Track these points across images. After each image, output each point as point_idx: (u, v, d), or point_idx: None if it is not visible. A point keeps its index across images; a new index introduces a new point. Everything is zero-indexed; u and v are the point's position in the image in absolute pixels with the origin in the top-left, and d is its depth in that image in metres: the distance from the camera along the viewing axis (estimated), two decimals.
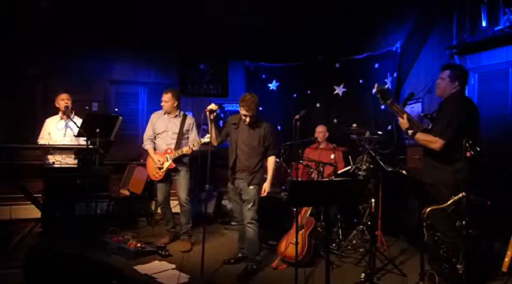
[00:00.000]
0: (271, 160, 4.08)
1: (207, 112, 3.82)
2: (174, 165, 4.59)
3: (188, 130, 4.74)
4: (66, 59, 6.03)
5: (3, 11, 5.25)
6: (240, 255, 4.21)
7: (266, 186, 4.02)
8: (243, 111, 3.88)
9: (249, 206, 3.93)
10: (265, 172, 4.13)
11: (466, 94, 4.51)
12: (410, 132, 3.40)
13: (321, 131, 5.52)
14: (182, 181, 4.66)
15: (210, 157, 3.69)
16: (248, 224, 3.95)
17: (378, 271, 3.93)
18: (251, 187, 3.95)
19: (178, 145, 4.63)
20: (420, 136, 3.36)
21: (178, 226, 4.83)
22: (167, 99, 4.65)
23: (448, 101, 3.46)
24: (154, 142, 4.74)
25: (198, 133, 4.77)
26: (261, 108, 6.76)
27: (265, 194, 4.03)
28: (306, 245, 4.09)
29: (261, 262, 4.09)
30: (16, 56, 5.71)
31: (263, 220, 4.74)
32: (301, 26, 6.07)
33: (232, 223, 5.36)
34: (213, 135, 4.03)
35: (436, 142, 3.28)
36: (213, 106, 3.81)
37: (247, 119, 3.91)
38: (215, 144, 4.08)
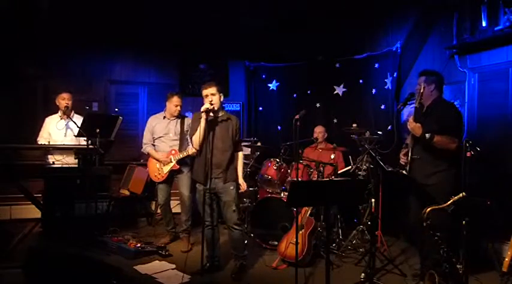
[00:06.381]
0: (240, 156, 3.96)
1: (203, 114, 3.63)
2: (178, 167, 4.59)
3: (188, 131, 4.74)
4: (66, 59, 6.03)
5: (3, 11, 5.25)
6: (208, 264, 3.88)
7: (242, 182, 3.91)
8: (209, 91, 3.68)
9: (233, 208, 3.77)
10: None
11: (466, 94, 4.58)
12: (428, 135, 3.49)
13: (320, 131, 5.52)
14: (184, 178, 4.66)
15: (198, 159, 3.68)
16: (235, 226, 3.81)
17: (378, 271, 3.93)
18: (231, 187, 3.77)
19: (181, 146, 4.64)
20: (439, 138, 3.48)
21: (179, 226, 4.83)
22: (180, 103, 4.68)
23: (441, 105, 3.67)
24: (154, 145, 4.74)
25: None
26: (260, 108, 6.87)
27: (244, 188, 3.92)
28: (306, 245, 4.09)
29: (248, 255, 4.05)
30: (16, 56, 5.71)
31: (263, 220, 4.78)
32: (301, 26, 6.07)
33: None
34: (201, 137, 3.66)
35: (454, 143, 3.48)
36: (208, 105, 3.64)
37: (213, 103, 3.65)
38: (197, 147, 3.76)
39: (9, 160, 4.33)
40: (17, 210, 5.54)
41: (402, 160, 3.87)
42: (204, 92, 3.74)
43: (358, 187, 3.13)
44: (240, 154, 3.98)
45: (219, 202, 3.86)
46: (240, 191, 3.88)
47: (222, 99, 3.82)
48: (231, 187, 3.79)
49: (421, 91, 3.62)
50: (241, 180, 3.93)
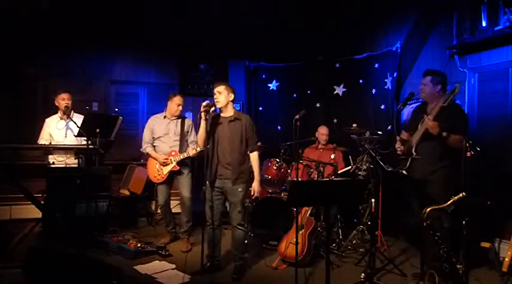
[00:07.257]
0: (254, 157, 3.81)
1: (203, 113, 3.60)
2: (178, 168, 4.59)
3: (188, 132, 4.75)
4: (66, 59, 6.02)
5: (3, 11, 5.25)
6: (208, 264, 3.84)
7: (255, 186, 3.80)
8: (216, 89, 3.72)
9: (238, 209, 3.77)
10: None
11: (466, 94, 4.59)
12: (445, 134, 3.52)
13: (324, 133, 5.48)
14: (185, 180, 4.65)
15: (206, 158, 3.67)
16: (238, 227, 3.83)
17: (378, 271, 3.93)
18: (239, 189, 3.73)
19: (181, 147, 4.64)
20: (454, 137, 3.52)
21: (179, 227, 4.83)
22: (182, 102, 4.68)
23: (448, 105, 3.61)
24: (154, 146, 4.73)
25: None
26: (260, 108, 6.87)
27: (256, 194, 3.82)
28: (306, 245, 4.09)
29: (248, 258, 4.05)
30: (16, 56, 5.71)
31: (263, 220, 4.78)
32: (301, 26, 6.07)
33: None
34: (200, 136, 3.75)
35: (463, 141, 3.47)
36: (208, 102, 3.61)
37: (217, 101, 3.69)
38: (202, 147, 3.82)
39: (9, 160, 4.33)
40: (17, 210, 5.53)
41: (399, 150, 3.88)
42: (214, 91, 3.77)
43: (358, 187, 3.14)
44: (253, 155, 3.83)
45: (226, 201, 3.86)
46: (253, 196, 3.79)
47: (231, 99, 3.78)
48: (239, 189, 3.75)
49: (456, 91, 3.53)
50: (254, 184, 3.79)
